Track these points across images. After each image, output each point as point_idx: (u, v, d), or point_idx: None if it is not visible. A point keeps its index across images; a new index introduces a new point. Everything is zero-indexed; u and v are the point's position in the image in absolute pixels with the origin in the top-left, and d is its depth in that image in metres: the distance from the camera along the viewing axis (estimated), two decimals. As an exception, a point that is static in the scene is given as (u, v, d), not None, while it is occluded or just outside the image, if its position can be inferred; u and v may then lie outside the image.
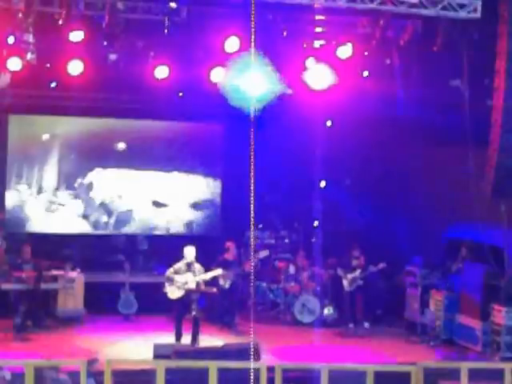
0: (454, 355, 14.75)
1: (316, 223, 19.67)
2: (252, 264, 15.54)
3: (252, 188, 7.13)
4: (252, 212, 7.21)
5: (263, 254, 17.71)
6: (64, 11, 14.77)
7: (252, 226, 7.40)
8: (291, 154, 19.21)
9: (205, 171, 20.34)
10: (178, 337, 14.65)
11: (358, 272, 16.65)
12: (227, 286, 16.26)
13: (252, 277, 14.55)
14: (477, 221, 15.12)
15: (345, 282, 16.75)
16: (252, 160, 7.23)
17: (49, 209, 19.45)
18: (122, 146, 19.85)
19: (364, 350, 15.07)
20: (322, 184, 19.55)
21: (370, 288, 16.73)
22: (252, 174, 7.16)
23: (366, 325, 16.76)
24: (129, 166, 19.91)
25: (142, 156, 19.93)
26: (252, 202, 7.16)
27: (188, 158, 20.24)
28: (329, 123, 19.43)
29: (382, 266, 16.59)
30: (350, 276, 16.68)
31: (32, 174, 19.39)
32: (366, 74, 16.86)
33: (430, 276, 16.48)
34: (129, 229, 20.00)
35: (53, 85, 17.45)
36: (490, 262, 15.29)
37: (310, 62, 16.23)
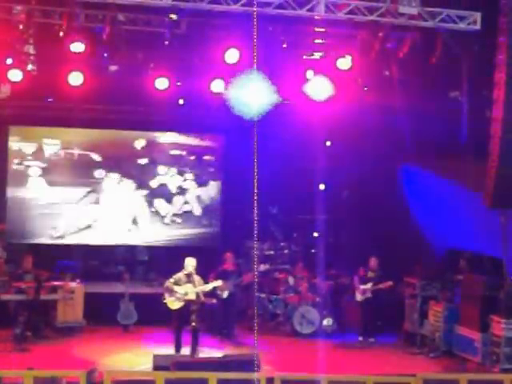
0: (453, 366, 14.74)
1: (315, 234, 19.66)
2: (254, 276, 15.58)
3: (255, 199, 7.16)
4: (255, 223, 7.24)
5: (263, 268, 17.71)
6: (64, 23, 14.83)
7: (255, 237, 7.42)
8: (290, 165, 19.24)
9: (204, 183, 20.37)
10: (178, 348, 14.62)
11: (369, 285, 16.61)
12: (225, 295, 16.25)
13: (252, 288, 14.53)
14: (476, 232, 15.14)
15: (357, 293, 16.76)
16: (254, 171, 7.26)
17: (50, 219, 19.46)
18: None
19: (363, 362, 15.03)
20: (321, 188, 19.52)
21: (376, 302, 16.67)
22: (255, 185, 7.19)
23: (372, 340, 16.70)
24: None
25: (138, 166, 20.04)
26: (255, 213, 7.18)
27: (188, 169, 20.28)
28: (328, 143, 19.46)
29: (389, 284, 16.56)
30: (362, 287, 16.66)
31: (33, 184, 19.41)
32: (365, 85, 16.92)
33: (430, 287, 16.45)
34: (130, 239, 20.08)
35: (50, 99, 17.57)
36: (490, 273, 15.30)
37: (310, 74, 16.32)
